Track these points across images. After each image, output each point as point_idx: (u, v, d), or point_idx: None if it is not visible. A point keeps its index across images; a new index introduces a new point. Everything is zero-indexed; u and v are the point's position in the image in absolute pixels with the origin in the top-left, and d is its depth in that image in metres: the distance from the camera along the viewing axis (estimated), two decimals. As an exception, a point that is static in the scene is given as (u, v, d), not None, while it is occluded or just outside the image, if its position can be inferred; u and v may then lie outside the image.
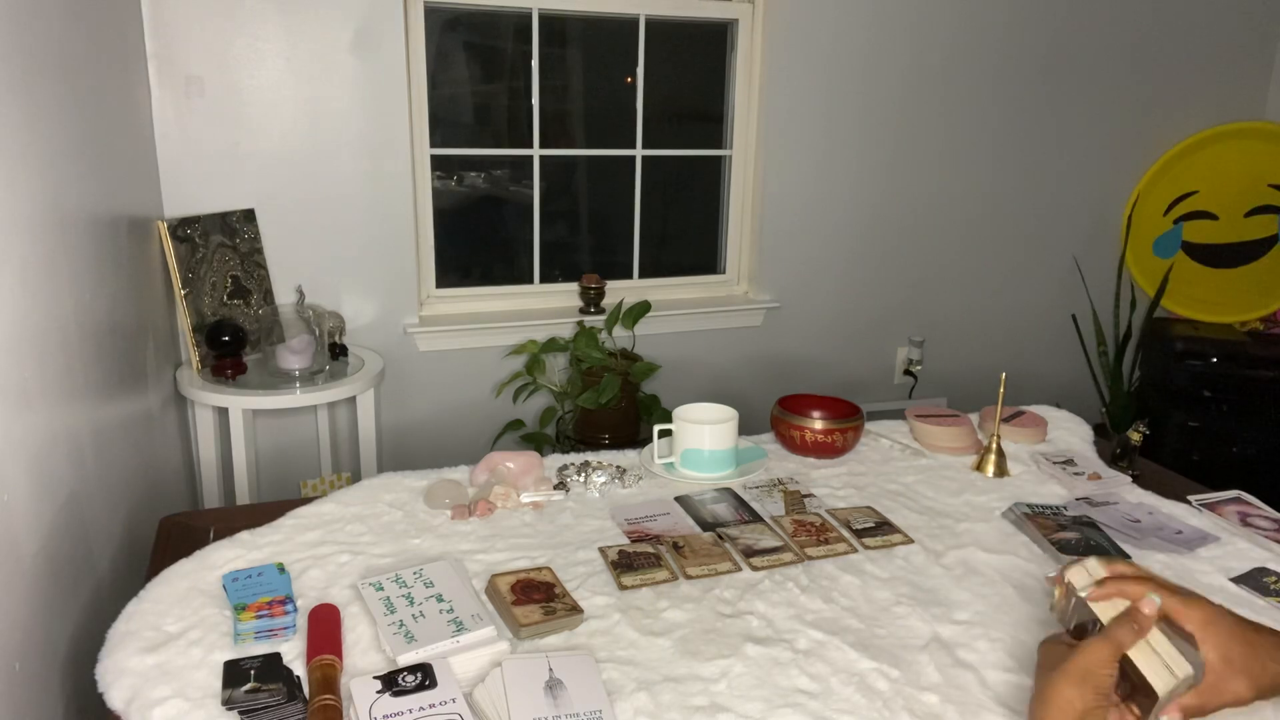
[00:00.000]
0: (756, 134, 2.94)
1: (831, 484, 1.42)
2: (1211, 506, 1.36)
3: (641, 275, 3.01)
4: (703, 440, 1.42)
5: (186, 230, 2.18)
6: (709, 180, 3.04)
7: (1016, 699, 0.92)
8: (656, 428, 1.48)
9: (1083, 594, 0.83)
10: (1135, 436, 1.50)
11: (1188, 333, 3.24)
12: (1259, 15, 3.39)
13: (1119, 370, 3.32)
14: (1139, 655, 0.78)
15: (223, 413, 2.26)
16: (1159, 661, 0.78)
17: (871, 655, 0.98)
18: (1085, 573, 0.85)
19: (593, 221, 2.99)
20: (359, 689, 0.87)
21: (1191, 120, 3.40)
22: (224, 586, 1.06)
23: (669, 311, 2.88)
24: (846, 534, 1.25)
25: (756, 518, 1.30)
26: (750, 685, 0.93)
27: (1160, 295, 3.28)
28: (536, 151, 2.79)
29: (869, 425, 1.63)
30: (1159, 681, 0.77)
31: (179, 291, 2.16)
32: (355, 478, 2.56)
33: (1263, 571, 1.17)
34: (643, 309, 2.72)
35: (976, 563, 1.19)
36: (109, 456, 1.53)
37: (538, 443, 2.71)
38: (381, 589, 1.05)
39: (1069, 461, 1.50)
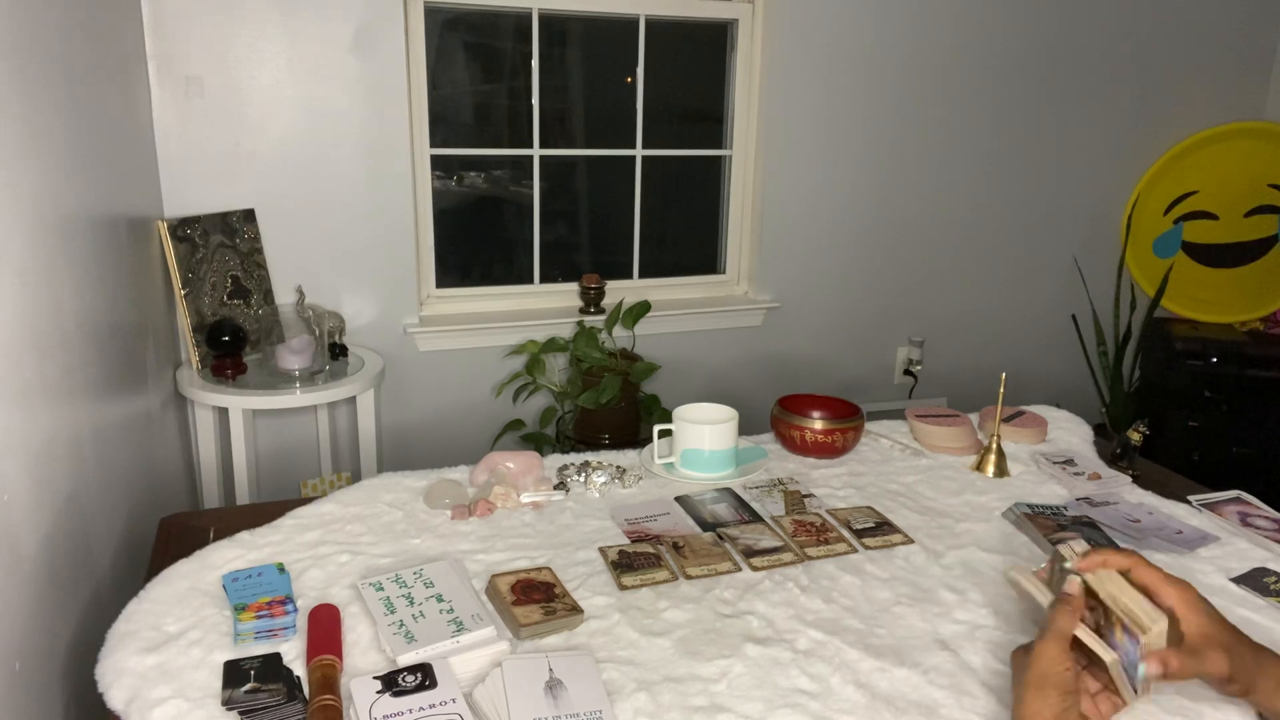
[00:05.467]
0: (756, 134, 2.94)
1: (831, 484, 1.42)
2: (1211, 506, 1.36)
3: (641, 275, 3.01)
4: (703, 440, 1.42)
5: (186, 230, 2.18)
6: (709, 180, 3.04)
7: (1016, 699, 0.92)
8: (656, 428, 1.48)
9: (1068, 564, 0.87)
10: (1135, 436, 1.50)
11: (1188, 333, 3.24)
12: (1259, 15, 3.39)
13: (1119, 370, 3.32)
14: (1082, 633, 0.82)
15: (223, 413, 2.26)
16: (1103, 632, 0.83)
17: (872, 655, 0.98)
18: (1071, 552, 0.88)
19: (593, 221, 2.99)
20: (359, 689, 0.87)
21: (1191, 120, 3.40)
22: (224, 586, 1.06)
23: (669, 311, 2.88)
24: (846, 534, 1.25)
25: (756, 518, 1.30)
26: (750, 685, 0.93)
27: (1160, 295, 3.28)
28: (536, 151, 2.79)
29: (869, 425, 1.63)
30: (1104, 653, 0.80)
31: (179, 291, 2.16)
32: (355, 478, 2.56)
33: (1263, 571, 1.17)
34: (643, 309, 2.72)
35: (976, 563, 1.19)
36: (109, 456, 1.53)
37: (538, 443, 2.71)
38: (381, 589, 1.05)
39: (1069, 461, 1.50)
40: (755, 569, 1.15)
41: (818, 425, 1.50)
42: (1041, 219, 3.34)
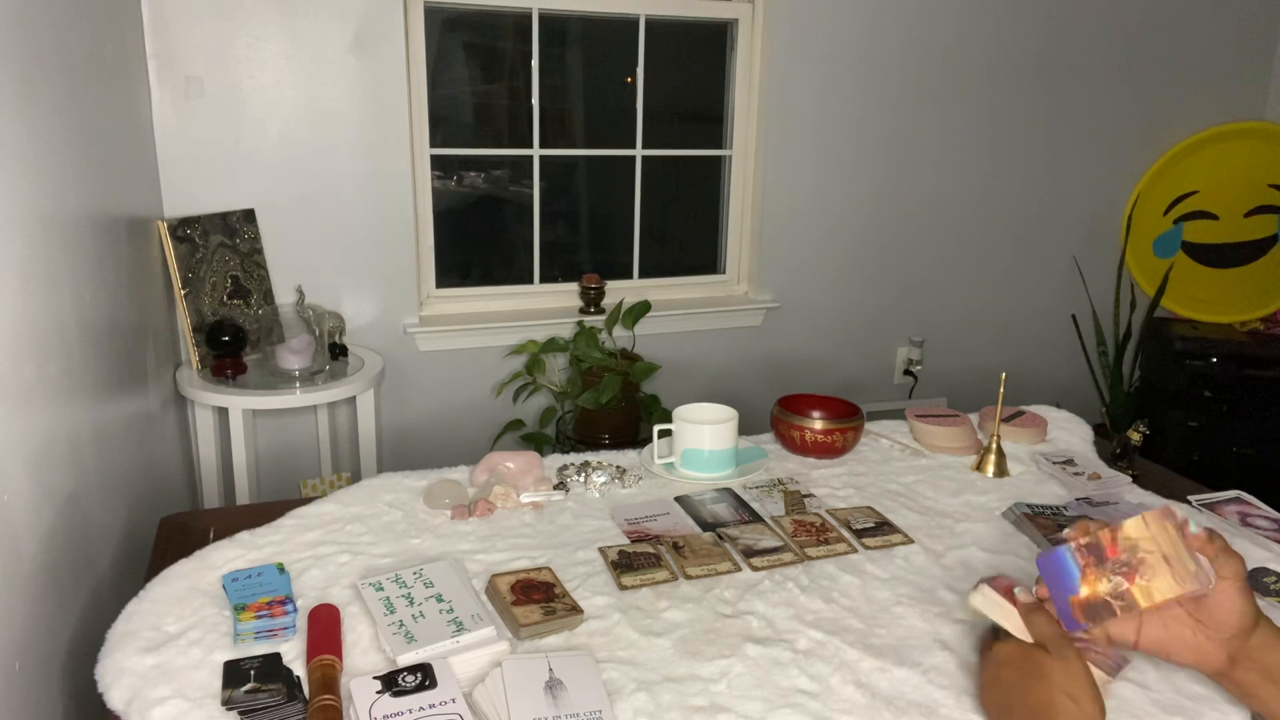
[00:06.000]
0: (756, 134, 2.94)
1: (831, 484, 1.42)
2: (1211, 506, 1.36)
3: (641, 275, 3.01)
4: (703, 440, 1.42)
5: (186, 230, 2.18)
6: (709, 180, 3.04)
7: (1016, 699, 0.91)
8: (656, 428, 1.48)
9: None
10: (1135, 436, 1.50)
11: (1188, 333, 3.24)
12: (1259, 15, 3.39)
13: (1119, 370, 3.32)
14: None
15: (223, 413, 2.26)
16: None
17: (872, 655, 0.98)
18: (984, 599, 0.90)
19: (593, 221, 2.99)
20: (359, 689, 0.87)
21: (1191, 120, 3.40)
22: (224, 586, 1.06)
23: (669, 311, 2.88)
24: (846, 534, 1.25)
25: (756, 518, 1.30)
26: (750, 685, 0.93)
27: (1160, 295, 3.28)
28: (536, 151, 2.79)
29: (869, 425, 1.63)
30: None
31: (179, 291, 2.16)
32: (355, 478, 2.56)
33: (1263, 571, 1.16)
34: (643, 309, 2.72)
35: (976, 563, 1.19)
36: (109, 456, 1.53)
37: (538, 443, 2.71)
38: (381, 589, 1.05)
39: (1069, 461, 1.50)
40: (755, 569, 1.15)
41: (818, 425, 1.50)
42: (1041, 219, 3.34)
